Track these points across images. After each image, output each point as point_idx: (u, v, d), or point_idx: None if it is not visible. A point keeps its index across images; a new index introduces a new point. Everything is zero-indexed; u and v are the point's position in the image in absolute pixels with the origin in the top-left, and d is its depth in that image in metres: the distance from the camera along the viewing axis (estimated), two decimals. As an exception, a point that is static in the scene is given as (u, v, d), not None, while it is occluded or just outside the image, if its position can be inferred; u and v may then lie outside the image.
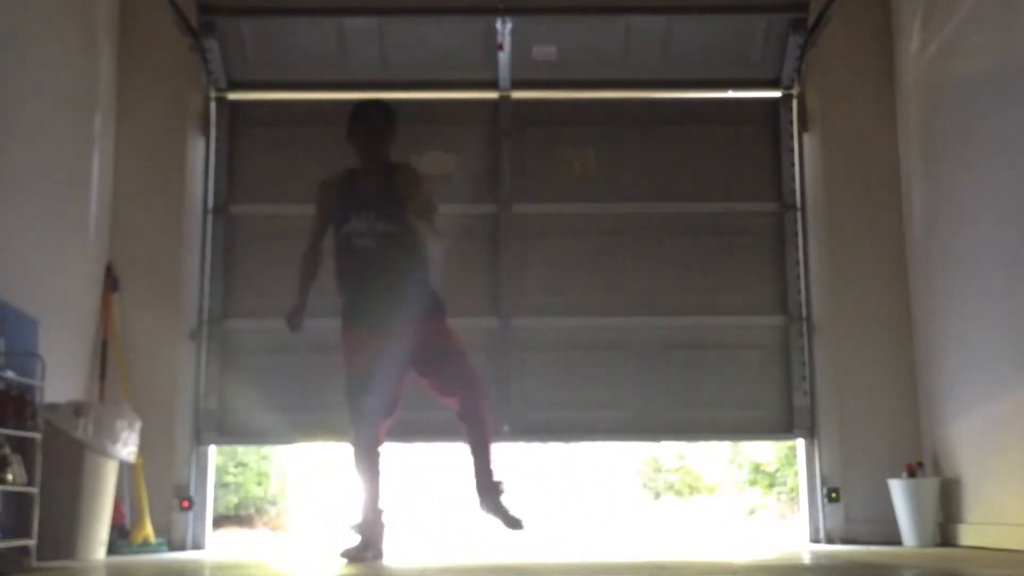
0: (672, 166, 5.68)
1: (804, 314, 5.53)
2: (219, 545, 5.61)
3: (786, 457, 7.37)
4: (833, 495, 5.23)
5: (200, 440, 5.36)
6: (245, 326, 5.51)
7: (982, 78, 4.60)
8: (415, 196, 4.00)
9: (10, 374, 3.86)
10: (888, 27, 5.56)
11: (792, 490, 7.23)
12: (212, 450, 5.47)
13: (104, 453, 4.34)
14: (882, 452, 5.19)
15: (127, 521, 4.97)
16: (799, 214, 5.62)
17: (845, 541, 5.14)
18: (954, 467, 4.91)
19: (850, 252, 5.42)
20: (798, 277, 5.56)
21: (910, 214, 5.39)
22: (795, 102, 5.71)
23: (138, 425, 4.58)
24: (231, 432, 5.45)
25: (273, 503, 7.59)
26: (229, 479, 7.29)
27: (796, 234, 5.61)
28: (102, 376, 5.13)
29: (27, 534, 3.75)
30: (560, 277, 5.58)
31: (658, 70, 5.77)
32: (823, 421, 5.35)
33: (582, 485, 7.74)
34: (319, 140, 5.53)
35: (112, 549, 4.62)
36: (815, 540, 5.27)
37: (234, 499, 7.41)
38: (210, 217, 5.58)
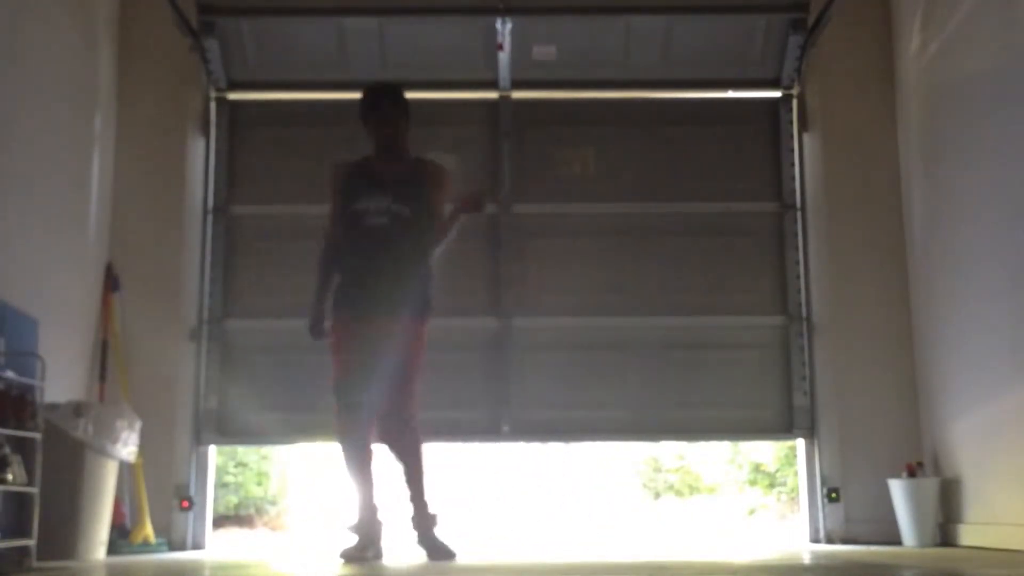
0: (672, 166, 5.69)
1: (804, 314, 5.53)
2: (219, 545, 5.61)
3: (786, 457, 7.37)
4: (833, 495, 5.23)
5: (200, 440, 5.36)
6: (245, 326, 5.51)
7: (982, 78, 4.60)
8: (437, 198, 4.03)
9: (10, 374, 3.86)
10: (888, 27, 5.57)
11: (792, 490, 7.23)
12: (212, 450, 5.47)
13: (104, 453, 4.34)
14: (882, 452, 5.19)
15: (127, 521, 4.96)
16: (799, 214, 5.62)
17: (845, 541, 5.14)
18: (954, 467, 4.91)
19: (850, 252, 5.42)
20: (798, 277, 5.56)
21: (910, 214, 5.39)
22: (795, 102, 5.71)
23: (138, 425, 4.58)
24: (231, 432, 5.45)
25: (273, 503, 7.59)
26: (229, 479, 7.30)
27: (796, 234, 5.61)
28: (102, 376, 5.13)
29: (27, 534, 3.75)
30: (560, 277, 5.58)
31: (658, 70, 5.77)
32: (823, 421, 5.36)
33: (582, 485, 7.74)
34: (319, 140, 5.54)
35: (112, 549, 4.62)
36: (815, 540, 5.27)
37: (234, 499, 7.41)
38: (210, 217, 5.58)
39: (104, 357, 5.16)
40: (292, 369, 5.38)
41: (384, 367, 3.90)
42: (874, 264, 5.42)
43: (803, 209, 5.62)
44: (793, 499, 7.10)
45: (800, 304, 5.54)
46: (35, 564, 3.73)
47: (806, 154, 5.65)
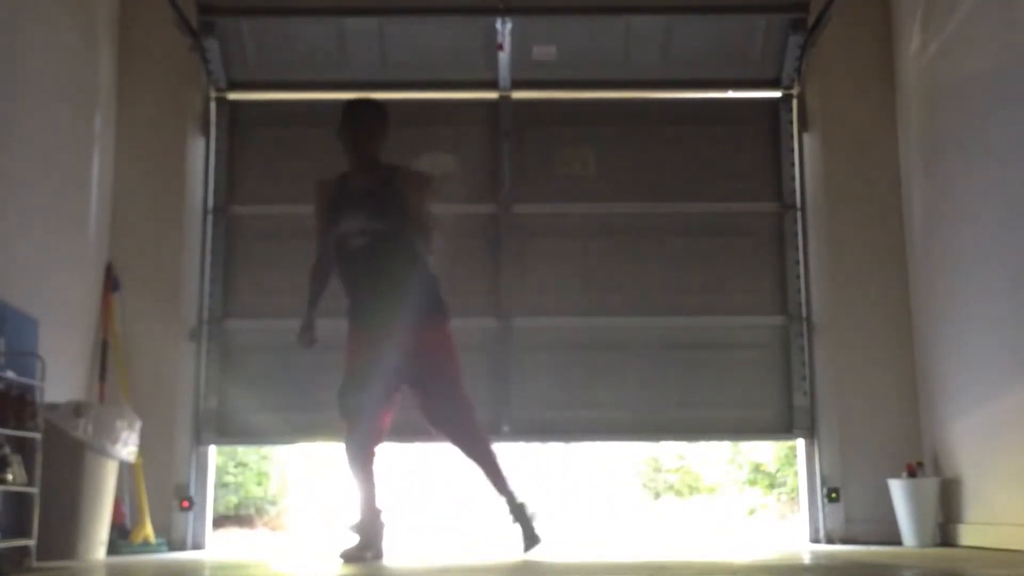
0: (672, 166, 5.69)
1: (804, 314, 5.53)
2: (219, 545, 5.61)
3: (786, 457, 7.36)
4: (833, 495, 5.23)
5: (200, 440, 5.36)
6: (245, 326, 5.51)
7: (982, 78, 4.60)
8: (416, 202, 4.02)
9: (10, 374, 3.86)
10: (888, 27, 5.56)
11: (792, 490, 7.23)
12: (212, 450, 5.47)
13: (104, 453, 4.34)
14: (882, 452, 5.19)
15: (127, 521, 4.96)
16: (799, 214, 5.62)
17: (845, 541, 5.14)
18: (954, 467, 4.91)
19: (850, 252, 5.42)
20: (798, 277, 5.56)
21: (910, 214, 5.39)
22: (795, 102, 5.71)
23: (138, 425, 4.58)
24: (231, 432, 5.45)
25: (273, 503, 7.58)
26: (229, 479, 7.29)
27: (796, 234, 5.61)
28: (102, 376, 5.13)
29: (27, 534, 3.75)
30: (560, 277, 5.58)
31: (658, 70, 5.77)
32: (823, 421, 5.36)
33: (582, 485, 7.74)
34: (319, 140, 5.51)
35: (112, 549, 4.62)
36: (815, 540, 5.28)
37: (234, 499, 7.41)
38: (210, 217, 5.58)
39: (104, 357, 5.16)
40: (292, 369, 5.38)
41: (387, 370, 3.92)
42: (874, 264, 5.42)
43: (803, 209, 5.62)
44: (793, 499, 7.09)
45: (800, 304, 5.54)
46: (35, 564, 3.73)
47: (806, 154, 5.65)
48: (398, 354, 3.93)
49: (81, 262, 5.11)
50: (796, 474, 5.88)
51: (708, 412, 5.49)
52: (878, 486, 5.08)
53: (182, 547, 5.11)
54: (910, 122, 5.38)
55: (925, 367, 5.22)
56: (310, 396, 5.27)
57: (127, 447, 4.48)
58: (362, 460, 3.96)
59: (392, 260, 3.99)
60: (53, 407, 4.10)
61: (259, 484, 7.53)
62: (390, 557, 3.97)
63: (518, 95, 5.72)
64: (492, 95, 5.73)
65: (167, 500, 5.14)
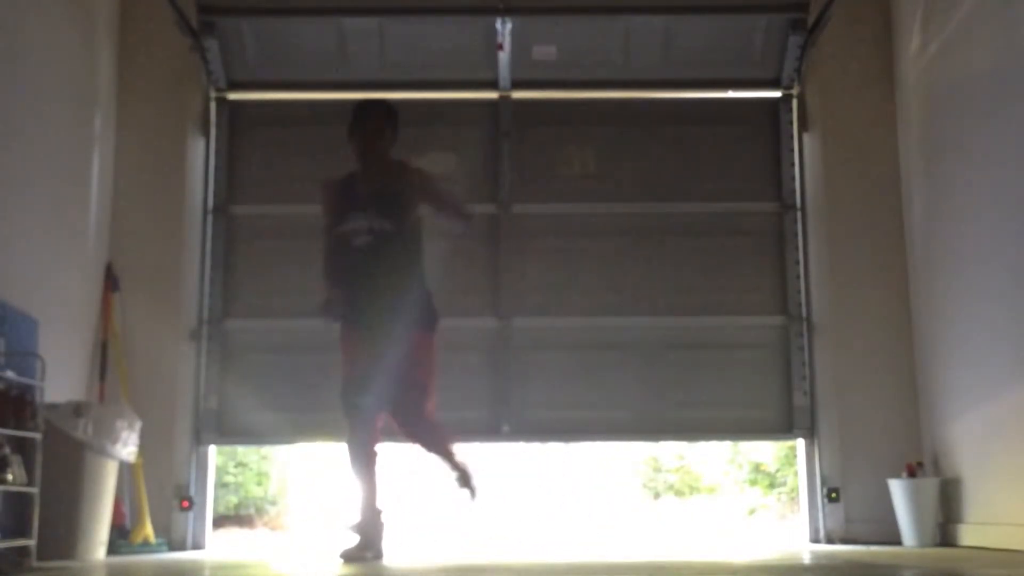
0: (672, 166, 5.69)
1: (804, 314, 5.53)
2: (219, 545, 5.61)
3: (786, 457, 7.37)
4: (833, 495, 5.23)
5: (200, 440, 5.36)
6: (245, 326, 5.51)
7: (982, 78, 4.60)
8: (430, 190, 4.08)
9: (10, 374, 3.86)
10: (888, 27, 5.56)
11: (792, 490, 7.23)
12: (212, 450, 5.47)
13: (104, 453, 4.34)
14: (882, 452, 5.19)
15: (127, 521, 4.96)
16: (799, 214, 5.62)
17: (845, 541, 5.14)
18: (954, 467, 4.91)
19: (850, 252, 5.42)
20: (798, 277, 5.56)
21: (910, 214, 5.39)
22: (795, 102, 5.71)
23: (138, 425, 4.58)
24: (231, 432, 5.45)
25: (273, 503, 7.58)
26: (229, 479, 7.29)
27: (796, 234, 5.61)
28: (102, 376, 5.13)
29: (27, 534, 3.75)
30: (560, 277, 5.58)
31: (658, 70, 5.77)
32: (823, 421, 5.36)
33: (582, 485, 7.74)
34: (319, 140, 5.53)
35: (112, 549, 4.62)
36: (815, 540, 5.27)
37: (234, 499, 7.41)
38: (210, 217, 5.58)
39: (104, 357, 5.16)
40: (292, 369, 5.38)
41: (386, 370, 3.92)
42: (874, 264, 5.42)
43: (803, 209, 5.62)
44: (793, 499, 7.09)
45: (800, 304, 5.54)
46: (35, 564, 3.73)
47: (806, 154, 5.65)
48: (395, 354, 3.94)
49: (81, 262, 5.10)
50: (796, 474, 5.88)
51: (708, 412, 5.49)
52: (878, 486, 5.08)
53: (182, 547, 5.11)
54: (910, 122, 5.38)
55: (925, 367, 5.22)
56: (310, 396, 5.27)
57: (127, 447, 4.48)
58: (364, 460, 3.96)
59: (395, 260, 4.01)
60: (53, 407, 4.10)
61: (259, 484, 7.53)
62: (390, 557, 3.97)
63: (518, 95, 5.72)
64: (492, 95, 5.73)
65: (167, 500, 5.14)
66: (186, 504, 5.18)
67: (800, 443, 5.49)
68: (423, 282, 4.11)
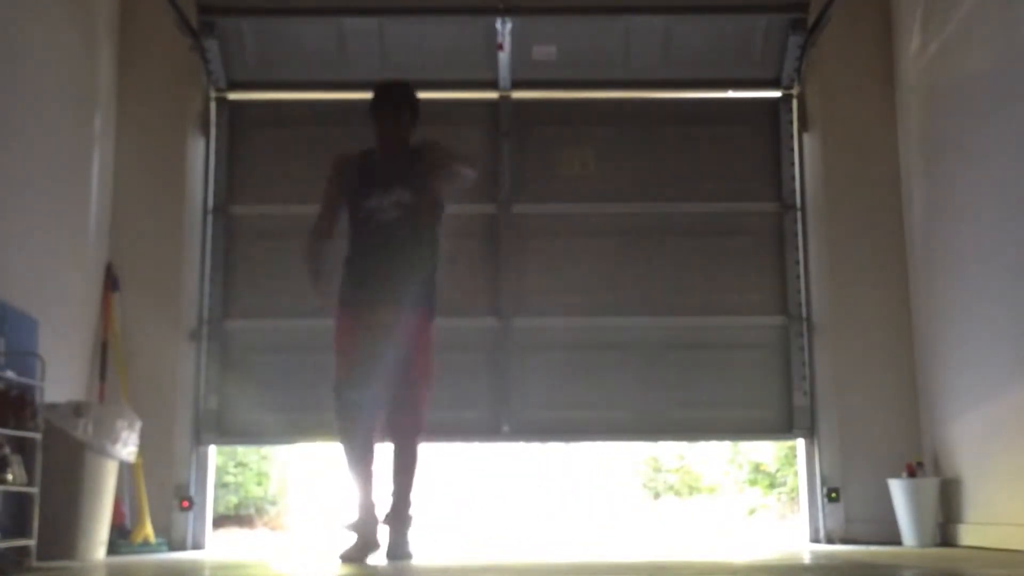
0: (672, 166, 5.69)
1: (804, 314, 5.53)
2: (219, 545, 5.61)
3: (786, 457, 7.36)
4: (833, 495, 5.23)
5: (200, 440, 5.36)
6: (245, 326, 5.51)
7: (982, 78, 4.60)
8: (440, 172, 4.10)
9: (10, 374, 3.86)
10: (888, 27, 5.56)
11: (792, 490, 7.23)
12: (212, 450, 5.47)
13: (104, 453, 4.34)
14: (882, 452, 5.19)
15: (127, 521, 4.97)
16: (799, 214, 5.62)
17: (845, 541, 5.14)
18: (954, 467, 4.91)
19: (850, 252, 5.42)
20: (798, 277, 5.56)
21: (910, 214, 5.39)
22: (795, 102, 5.71)
23: (138, 425, 4.58)
24: (231, 432, 5.45)
25: (273, 503, 7.58)
26: (229, 479, 7.29)
27: (796, 234, 5.61)
28: (102, 376, 5.13)
29: (27, 534, 3.75)
30: (560, 277, 5.58)
31: (658, 70, 5.77)
32: (823, 421, 5.36)
33: (582, 485, 7.74)
34: (319, 140, 5.53)
35: (112, 549, 4.62)
36: (815, 540, 5.27)
37: (234, 499, 7.41)
38: (210, 217, 5.58)
39: (104, 357, 5.16)
40: (292, 369, 5.38)
41: (387, 364, 3.90)
42: (874, 264, 5.42)
43: (803, 209, 5.62)
44: (793, 499, 7.09)
45: (800, 304, 5.54)
46: (35, 564, 3.73)
47: (806, 154, 5.65)
48: (401, 337, 3.92)
49: (81, 262, 5.10)
50: (796, 474, 5.88)
51: (708, 412, 5.49)
52: (878, 486, 5.08)
53: (182, 547, 5.11)
54: (910, 122, 5.38)
55: (925, 367, 5.22)
56: (310, 396, 5.26)
57: (127, 447, 4.48)
58: (361, 458, 3.94)
59: (420, 235, 4.03)
60: (53, 407, 4.10)
61: (259, 484, 7.53)
62: (383, 551, 3.94)
63: (518, 95, 5.72)
64: (492, 95, 5.73)
65: (167, 500, 5.14)
66: (186, 504, 5.18)
67: (800, 443, 5.49)
68: (436, 265, 4.12)
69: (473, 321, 5.43)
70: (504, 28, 5.51)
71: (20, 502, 3.82)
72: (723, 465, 7.91)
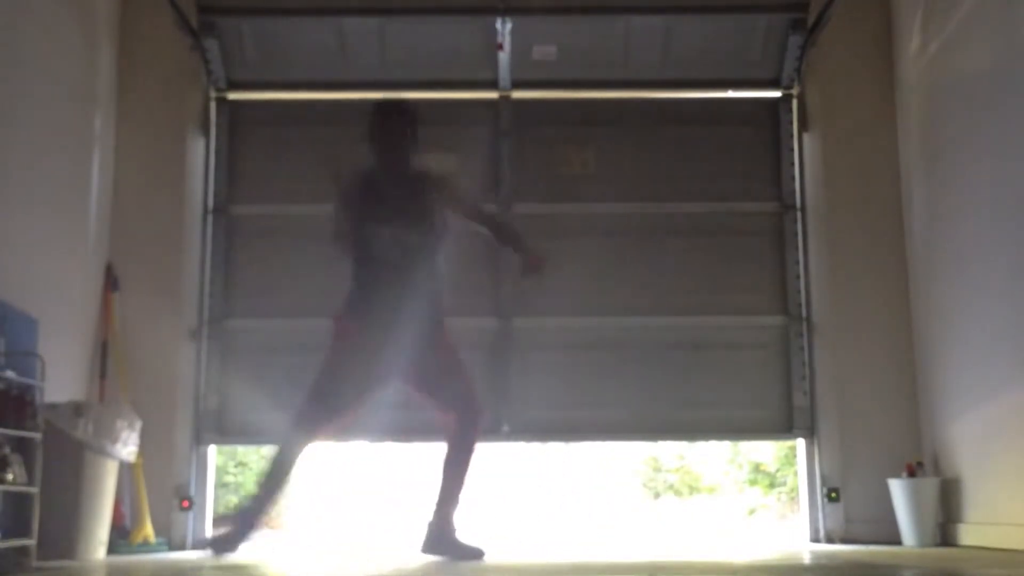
0: (672, 166, 5.68)
1: (804, 314, 5.53)
2: (219, 545, 5.59)
3: (786, 457, 7.37)
4: (833, 495, 5.23)
5: (200, 440, 5.36)
6: (245, 326, 5.51)
7: (982, 78, 4.60)
8: (447, 203, 4.12)
9: (10, 374, 3.85)
10: (888, 27, 5.56)
11: (792, 490, 7.23)
12: (212, 450, 5.47)
13: (104, 453, 4.34)
14: (882, 452, 5.19)
15: (127, 521, 4.97)
16: (799, 214, 5.62)
17: (845, 541, 5.14)
18: (954, 467, 4.91)
19: (850, 252, 5.42)
20: (798, 277, 5.56)
21: (910, 214, 5.39)
22: (795, 102, 5.71)
23: (138, 425, 4.58)
24: (231, 432, 5.45)
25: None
26: (229, 479, 7.29)
27: (796, 234, 5.61)
28: (102, 376, 5.13)
29: (27, 534, 3.75)
30: (560, 277, 5.56)
31: (658, 70, 5.77)
32: (823, 421, 5.35)
33: (582, 485, 7.75)
34: (319, 140, 5.53)
35: (112, 549, 4.62)
36: (815, 540, 5.27)
37: (234, 499, 7.41)
38: (210, 217, 5.58)
39: (104, 357, 5.16)
40: (292, 369, 5.36)
41: (375, 384, 3.94)
42: (874, 264, 5.42)
43: (803, 209, 5.62)
44: (793, 499, 7.10)
45: (800, 304, 5.54)
46: (35, 564, 3.73)
47: (806, 154, 5.65)
48: (389, 374, 3.94)
49: (81, 262, 5.10)
50: (796, 474, 5.88)
51: (708, 412, 5.49)
52: (878, 486, 5.08)
53: (182, 547, 5.11)
54: (910, 122, 5.38)
55: (925, 367, 5.22)
56: (310, 396, 5.25)
57: (127, 447, 4.48)
58: (292, 462, 3.93)
59: (421, 275, 4.03)
60: (53, 407, 4.10)
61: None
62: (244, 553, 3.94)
63: (518, 95, 5.71)
64: (492, 95, 5.72)
65: (167, 500, 5.14)
66: (186, 504, 5.18)
67: (800, 443, 5.49)
68: (443, 283, 4.15)
69: (473, 321, 5.43)
70: (504, 28, 5.51)
71: (20, 502, 3.81)
72: (723, 465, 7.91)
